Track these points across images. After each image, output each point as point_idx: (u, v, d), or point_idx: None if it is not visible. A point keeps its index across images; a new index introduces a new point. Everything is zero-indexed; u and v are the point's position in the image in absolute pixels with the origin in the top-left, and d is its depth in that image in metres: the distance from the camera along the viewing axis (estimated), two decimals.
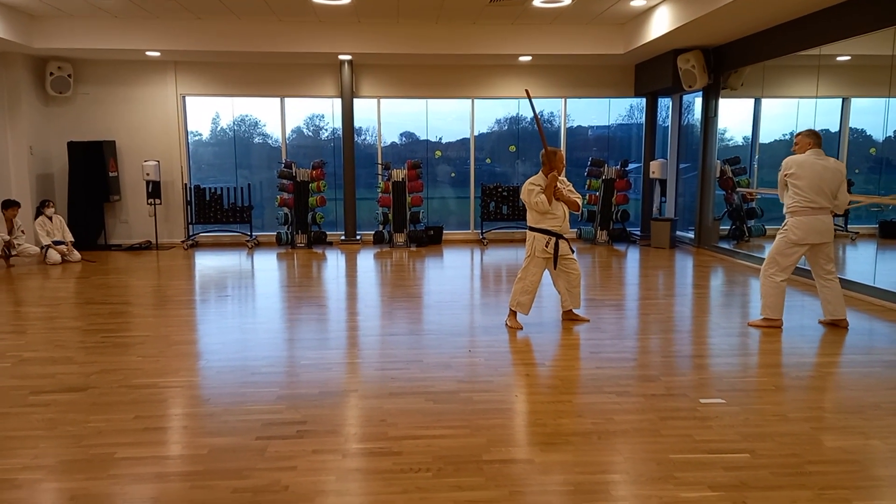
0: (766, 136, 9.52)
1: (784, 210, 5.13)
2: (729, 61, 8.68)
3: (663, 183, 10.31)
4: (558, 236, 5.07)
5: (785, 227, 5.09)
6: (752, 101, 9.46)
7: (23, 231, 8.54)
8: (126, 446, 3.07)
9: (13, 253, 8.38)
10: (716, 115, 9.09)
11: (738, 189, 9.26)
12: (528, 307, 5.17)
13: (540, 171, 5.09)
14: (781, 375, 4.08)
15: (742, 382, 3.96)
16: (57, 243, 8.70)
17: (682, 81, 8.95)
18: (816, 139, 5.07)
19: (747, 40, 8.16)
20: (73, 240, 8.93)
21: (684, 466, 2.84)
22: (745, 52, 8.28)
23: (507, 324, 5.24)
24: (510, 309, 5.22)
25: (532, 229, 5.10)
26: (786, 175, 5.04)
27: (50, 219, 8.81)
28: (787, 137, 9.69)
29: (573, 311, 5.36)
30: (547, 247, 5.03)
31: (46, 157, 9.81)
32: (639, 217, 10.90)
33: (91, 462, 2.92)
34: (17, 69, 9.11)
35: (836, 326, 5.22)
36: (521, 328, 5.13)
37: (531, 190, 5.00)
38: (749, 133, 9.91)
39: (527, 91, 5.85)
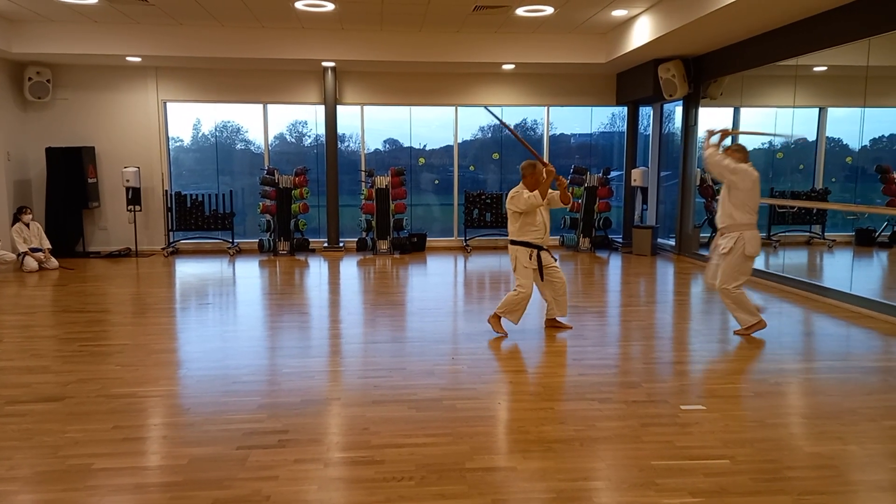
0: (744, 145, 9.66)
1: (728, 224, 5.10)
2: (709, 71, 8.81)
3: (645, 191, 10.42)
4: (539, 248, 5.09)
5: (741, 243, 5.05)
6: (732, 110, 9.60)
7: None
8: (104, 457, 3.02)
9: None
10: (696, 123, 9.21)
11: (717, 197, 9.36)
12: (518, 316, 5.16)
13: (521, 183, 5.10)
14: (760, 381, 4.13)
15: (722, 389, 4.00)
16: (34, 250, 8.56)
17: (662, 90, 9.06)
18: (746, 154, 5.18)
19: (727, 50, 8.29)
20: (50, 247, 8.80)
21: (665, 473, 2.86)
22: (725, 61, 8.41)
23: (489, 321, 5.26)
24: (497, 314, 5.21)
25: (514, 243, 5.11)
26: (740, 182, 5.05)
27: (27, 225, 8.67)
28: (766, 146, 9.85)
29: (557, 318, 5.38)
30: (530, 259, 5.04)
31: (24, 162, 9.67)
32: (621, 224, 10.99)
33: (68, 473, 2.87)
34: None
35: None
36: (506, 335, 5.14)
37: (518, 193, 5.01)
38: (725, 142, 10.05)
39: (486, 108, 5.92)
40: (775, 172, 9.69)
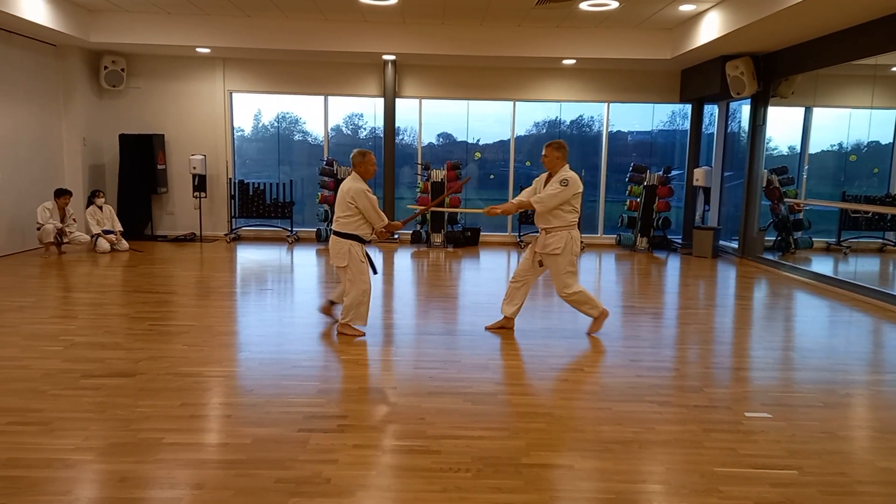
0: (813, 146, 9.29)
1: (554, 225, 4.84)
2: (780, 69, 8.47)
3: (707, 191, 10.12)
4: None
5: (564, 243, 4.83)
6: (802, 110, 9.24)
7: (74, 220, 8.82)
8: (173, 432, 3.15)
9: (65, 241, 8.66)
10: (764, 123, 8.88)
11: (785, 200, 9.05)
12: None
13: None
14: (829, 392, 3.97)
15: (788, 397, 3.87)
16: (106, 232, 8.96)
17: (730, 88, 8.77)
18: (566, 152, 4.91)
19: (800, 48, 7.96)
20: (121, 229, 9.19)
21: (728, 480, 2.78)
22: (798, 59, 8.08)
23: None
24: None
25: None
26: (578, 193, 4.81)
27: (100, 208, 9.08)
28: (836, 148, 9.44)
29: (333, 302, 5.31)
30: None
31: (99, 148, 10.12)
32: (680, 225, 10.72)
33: (139, 446, 3.00)
34: (73, 62, 9.42)
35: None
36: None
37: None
38: (794, 142, 9.68)
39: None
40: (847, 176, 9.28)
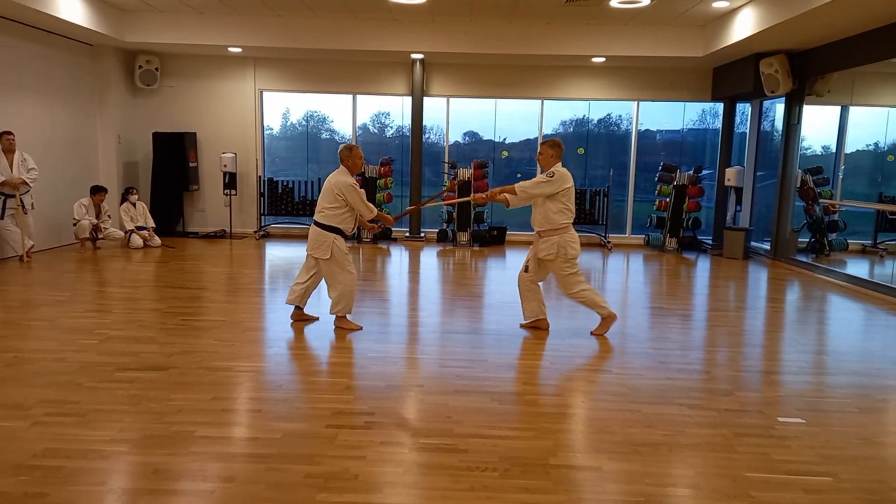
0: (849, 146, 9.08)
1: (546, 228, 4.77)
2: (816, 67, 8.28)
3: (739, 191, 9.94)
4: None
5: (556, 249, 4.76)
6: (839, 108, 9.03)
7: (109, 216, 9.02)
8: (205, 425, 3.20)
9: (100, 236, 8.87)
10: (799, 122, 8.70)
11: (819, 200, 8.85)
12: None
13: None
14: (864, 397, 3.88)
15: (822, 402, 3.79)
16: (140, 229, 9.15)
17: (763, 86, 8.61)
18: (562, 150, 4.81)
19: (837, 45, 7.77)
20: (154, 226, 9.37)
21: (761, 486, 2.74)
22: (835, 57, 7.89)
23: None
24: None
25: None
26: (566, 188, 4.70)
27: (134, 205, 9.27)
28: (872, 148, 9.21)
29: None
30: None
31: (133, 146, 10.33)
32: (710, 226, 10.56)
33: (172, 438, 3.06)
34: (108, 62, 9.63)
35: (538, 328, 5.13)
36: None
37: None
38: (828, 142, 9.47)
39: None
40: (885, 176, 9.05)
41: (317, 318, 5.24)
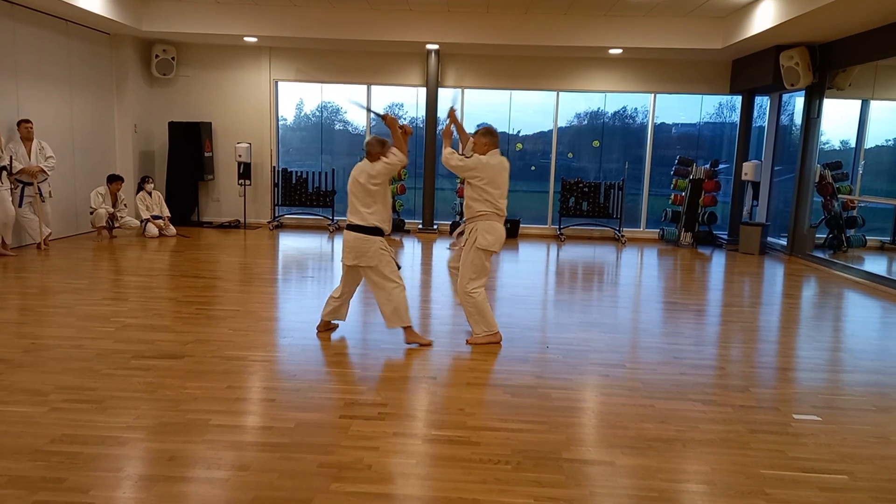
0: (870, 141, 8.93)
1: (468, 214, 4.55)
2: (837, 60, 8.15)
3: (756, 185, 9.83)
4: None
5: (473, 232, 4.48)
6: (859, 102, 8.88)
7: (125, 205, 9.10)
8: (220, 414, 3.23)
9: (116, 225, 8.95)
10: (819, 116, 8.57)
11: (838, 196, 8.74)
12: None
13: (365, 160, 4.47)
14: (882, 396, 3.83)
15: (839, 400, 3.75)
16: (155, 218, 9.22)
17: (783, 79, 8.49)
18: (496, 139, 4.58)
19: (859, 38, 7.64)
20: (169, 215, 9.44)
21: (776, 483, 2.72)
22: (857, 50, 7.76)
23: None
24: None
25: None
26: (480, 177, 4.45)
27: (149, 194, 9.33)
28: (893, 143, 9.06)
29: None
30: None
31: (149, 135, 10.40)
32: (726, 220, 10.46)
33: (188, 426, 3.09)
34: (125, 51, 9.68)
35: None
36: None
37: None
38: (847, 136, 9.33)
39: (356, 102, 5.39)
40: None
41: (336, 326, 4.81)
